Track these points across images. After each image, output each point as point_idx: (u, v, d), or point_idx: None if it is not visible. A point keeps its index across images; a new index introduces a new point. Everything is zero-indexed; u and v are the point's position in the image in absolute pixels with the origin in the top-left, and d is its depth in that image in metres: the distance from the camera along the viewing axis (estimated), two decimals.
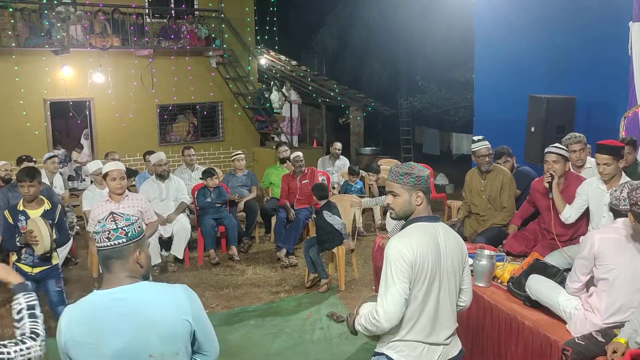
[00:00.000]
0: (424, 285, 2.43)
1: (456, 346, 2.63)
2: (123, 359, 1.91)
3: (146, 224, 4.84)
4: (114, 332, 1.90)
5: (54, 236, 4.37)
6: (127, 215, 2.10)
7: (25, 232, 4.22)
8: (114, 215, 2.06)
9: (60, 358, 1.99)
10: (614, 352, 2.74)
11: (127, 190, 4.84)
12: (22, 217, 4.35)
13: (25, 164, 6.48)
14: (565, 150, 4.43)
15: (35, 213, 4.35)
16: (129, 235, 2.02)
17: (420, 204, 2.55)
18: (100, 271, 2.20)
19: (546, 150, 4.50)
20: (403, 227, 2.56)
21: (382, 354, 2.54)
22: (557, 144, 4.51)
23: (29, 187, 4.33)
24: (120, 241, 2.00)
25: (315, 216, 6.31)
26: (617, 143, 3.99)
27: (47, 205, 4.45)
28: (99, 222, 2.05)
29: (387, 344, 2.52)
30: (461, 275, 2.61)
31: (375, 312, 2.41)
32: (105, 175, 4.88)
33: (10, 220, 4.37)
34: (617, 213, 3.19)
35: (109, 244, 1.99)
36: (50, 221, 4.42)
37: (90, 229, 4.77)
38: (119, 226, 2.02)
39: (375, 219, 8.24)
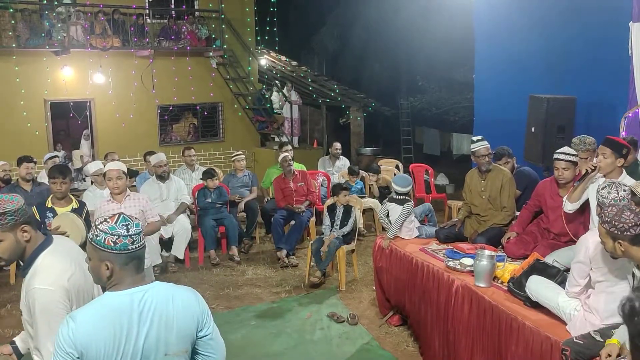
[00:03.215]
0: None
1: None
2: (142, 357, 1.91)
3: (148, 223, 4.82)
4: (135, 332, 1.90)
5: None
6: (134, 219, 2.07)
7: (51, 230, 4.21)
8: (126, 216, 2.03)
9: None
10: (609, 355, 2.73)
11: (128, 190, 4.84)
12: (49, 214, 4.37)
13: (25, 165, 6.47)
14: (575, 155, 4.33)
15: (63, 211, 4.37)
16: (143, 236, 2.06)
17: (29, 238, 2.27)
18: (110, 276, 2.06)
19: (555, 156, 4.37)
20: (28, 265, 2.25)
21: None
22: (565, 150, 4.35)
23: (62, 184, 4.35)
24: (142, 243, 2.01)
25: None
26: (623, 141, 3.95)
27: (75, 204, 4.48)
28: (115, 226, 1.96)
29: None
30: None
31: None
32: (104, 175, 4.91)
33: (38, 217, 4.38)
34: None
35: (133, 247, 1.97)
36: None
37: None
38: (139, 229, 2.01)
39: (378, 218, 8.22)
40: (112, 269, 1.95)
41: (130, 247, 1.95)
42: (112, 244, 1.93)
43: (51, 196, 4.49)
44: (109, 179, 4.68)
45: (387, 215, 5.45)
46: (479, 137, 5.15)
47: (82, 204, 4.61)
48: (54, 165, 4.96)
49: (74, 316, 1.90)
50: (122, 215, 2.01)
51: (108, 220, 1.98)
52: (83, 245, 4.31)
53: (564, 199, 4.24)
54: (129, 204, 4.64)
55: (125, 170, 4.80)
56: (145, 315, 1.92)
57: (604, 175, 3.94)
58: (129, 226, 1.97)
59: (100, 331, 1.86)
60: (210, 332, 2.06)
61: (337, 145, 9.57)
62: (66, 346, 1.85)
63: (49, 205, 4.45)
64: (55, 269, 2.23)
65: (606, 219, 2.71)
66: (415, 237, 5.29)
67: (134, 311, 1.91)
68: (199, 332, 2.03)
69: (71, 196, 4.54)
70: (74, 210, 4.42)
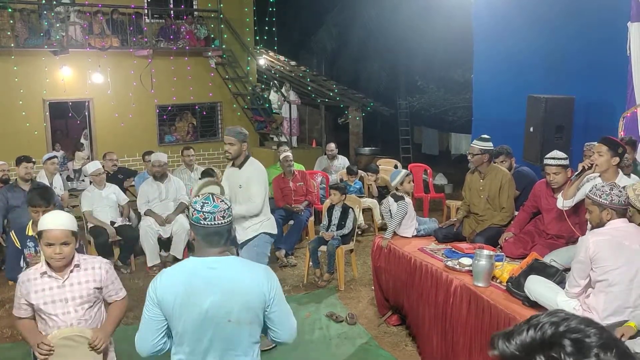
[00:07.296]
0: None
1: None
2: (207, 318, 2.21)
3: (110, 305, 3.18)
4: (203, 295, 2.20)
5: None
6: (218, 199, 2.30)
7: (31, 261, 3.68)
8: (211, 195, 2.29)
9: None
10: (622, 335, 2.76)
11: (78, 257, 3.05)
12: (30, 244, 3.81)
13: (24, 165, 6.46)
14: (564, 159, 4.33)
15: None
16: (232, 215, 2.33)
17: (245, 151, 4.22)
18: (192, 242, 2.41)
19: (545, 161, 4.37)
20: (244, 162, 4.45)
21: None
22: (554, 154, 4.35)
23: (45, 212, 3.40)
24: (229, 219, 2.29)
25: None
26: (619, 141, 3.96)
27: None
28: (206, 202, 2.26)
29: None
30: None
31: None
32: (39, 234, 2.97)
33: (18, 245, 3.83)
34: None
35: (223, 222, 2.26)
36: None
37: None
38: (229, 205, 2.29)
39: (375, 218, 8.23)
40: (194, 237, 2.31)
41: (202, 222, 2.24)
42: (192, 215, 2.28)
43: (31, 222, 3.81)
44: (47, 244, 2.89)
45: (390, 212, 5.42)
46: (484, 137, 5.12)
47: None
48: (35, 189, 4.03)
49: (164, 270, 2.38)
50: (209, 195, 2.31)
51: (200, 195, 2.34)
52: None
53: (559, 195, 4.24)
54: (75, 280, 2.98)
55: (75, 229, 3.00)
56: (213, 281, 2.22)
57: (600, 175, 3.94)
58: (205, 204, 2.26)
59: (173, 286, 2.23)
60: (275, 311, 2.30)
61: (332, 145, 9.56)
62: (151, 290, 2.26)
63: (30, 234, 3.74)
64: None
65: None
66: (414, 236, 5.25)
67: (204, 276, 2.23)
68: (266, 309, 2.28)
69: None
70: None
